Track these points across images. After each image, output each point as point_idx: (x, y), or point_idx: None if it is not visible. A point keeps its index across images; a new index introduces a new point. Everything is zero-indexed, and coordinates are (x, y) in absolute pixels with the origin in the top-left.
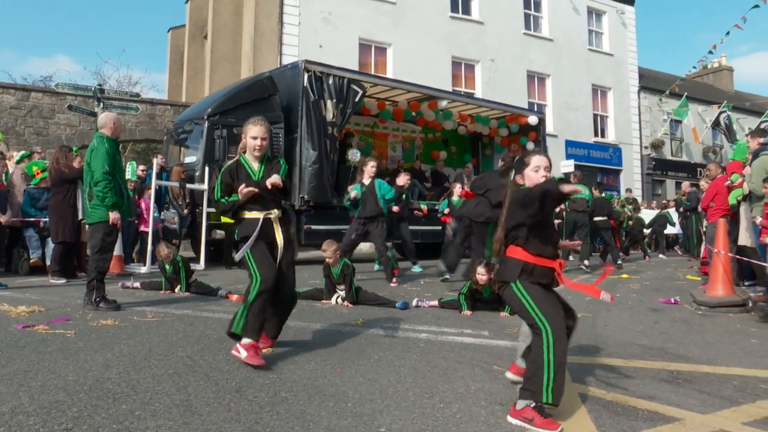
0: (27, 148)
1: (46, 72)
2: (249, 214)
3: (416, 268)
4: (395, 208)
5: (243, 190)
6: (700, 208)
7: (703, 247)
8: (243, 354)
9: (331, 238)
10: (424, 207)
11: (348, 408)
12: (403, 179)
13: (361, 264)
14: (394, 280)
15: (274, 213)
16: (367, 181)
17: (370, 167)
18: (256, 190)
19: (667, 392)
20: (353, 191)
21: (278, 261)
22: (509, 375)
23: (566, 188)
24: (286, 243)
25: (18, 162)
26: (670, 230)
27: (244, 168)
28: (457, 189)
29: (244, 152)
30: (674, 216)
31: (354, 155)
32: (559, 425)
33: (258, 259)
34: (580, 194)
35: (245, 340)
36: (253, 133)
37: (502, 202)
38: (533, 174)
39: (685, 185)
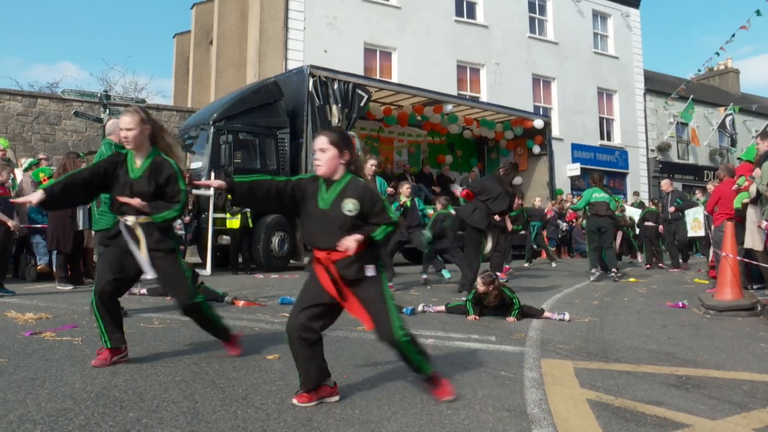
0: (33, 155)
1: (53, 78)
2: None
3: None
4: None
5: (121, 198)
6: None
7: (711, 251)
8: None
9: None
10: (430, 212)
11: (355, 415)
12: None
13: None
14: None
15: (132, 220)
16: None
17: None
18: (133, 202)
19: (676, 397)
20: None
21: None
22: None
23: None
24: (158, 254)
25: (26, 169)
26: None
27: (126, 162)
28: (404, 189)
29: None
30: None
31: None
32: None
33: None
34: (600, 198)
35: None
36: (120, 124)
37: (504, 211)
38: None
39: (665, 184)
